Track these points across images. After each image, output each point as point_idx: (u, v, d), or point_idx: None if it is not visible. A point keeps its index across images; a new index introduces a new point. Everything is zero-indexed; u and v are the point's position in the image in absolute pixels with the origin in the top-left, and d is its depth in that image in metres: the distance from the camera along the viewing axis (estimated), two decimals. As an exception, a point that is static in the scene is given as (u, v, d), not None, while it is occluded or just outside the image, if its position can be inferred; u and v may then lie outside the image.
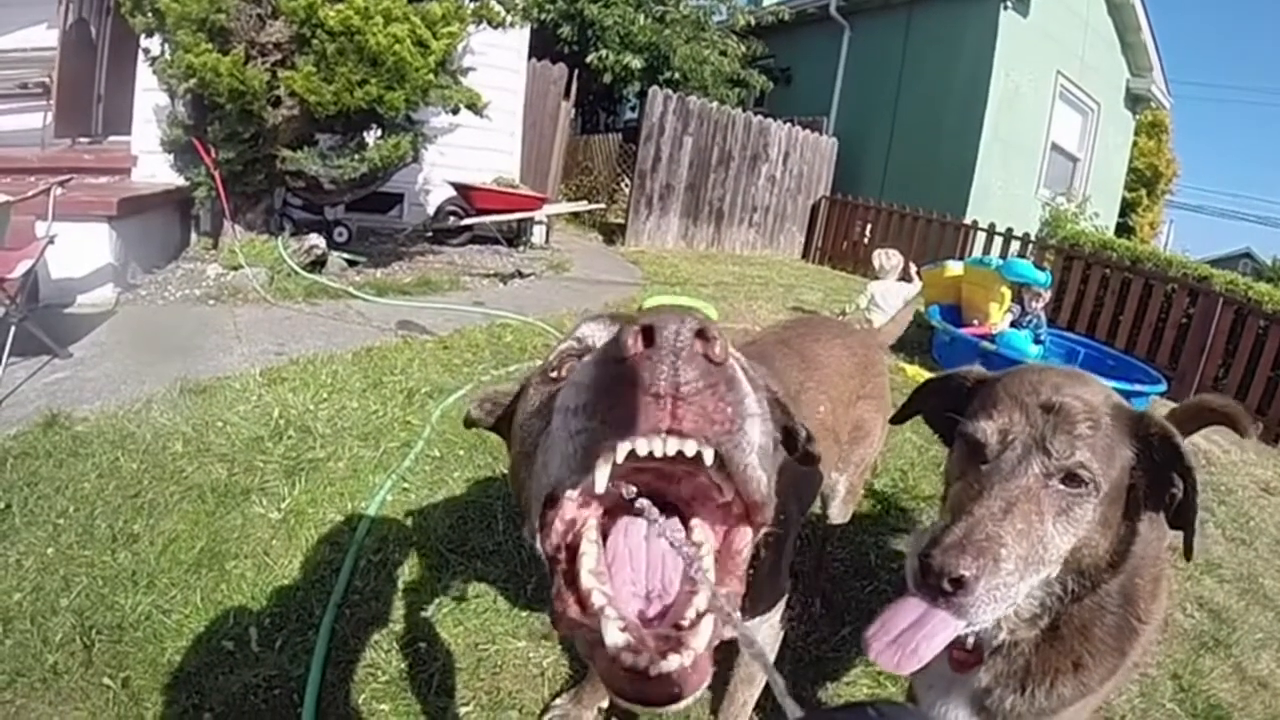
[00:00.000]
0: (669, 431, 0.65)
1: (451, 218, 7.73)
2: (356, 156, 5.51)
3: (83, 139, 6.81)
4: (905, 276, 6.95)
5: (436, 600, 2.27)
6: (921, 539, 1.08)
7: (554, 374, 0.93)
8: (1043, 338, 5.96)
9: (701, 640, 0.64)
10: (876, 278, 6.80)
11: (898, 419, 1.56)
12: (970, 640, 1.24)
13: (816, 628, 2.40)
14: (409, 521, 2.66)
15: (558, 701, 1.93)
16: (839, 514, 2.28)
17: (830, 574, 2.67)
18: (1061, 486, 1.09)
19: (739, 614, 0.69)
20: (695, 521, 0.79)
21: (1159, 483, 1.16)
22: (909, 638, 1.06)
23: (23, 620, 1.97)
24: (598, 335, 0.95)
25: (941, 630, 1.04)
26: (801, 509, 1.68)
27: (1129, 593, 1.25)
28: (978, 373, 1.36)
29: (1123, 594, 1.24)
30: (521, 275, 6.90)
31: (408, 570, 2.39)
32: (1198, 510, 1.16)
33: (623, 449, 0.66)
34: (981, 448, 1.15)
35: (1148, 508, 1.18)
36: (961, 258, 7.77)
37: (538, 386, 0.97)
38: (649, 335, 0.64)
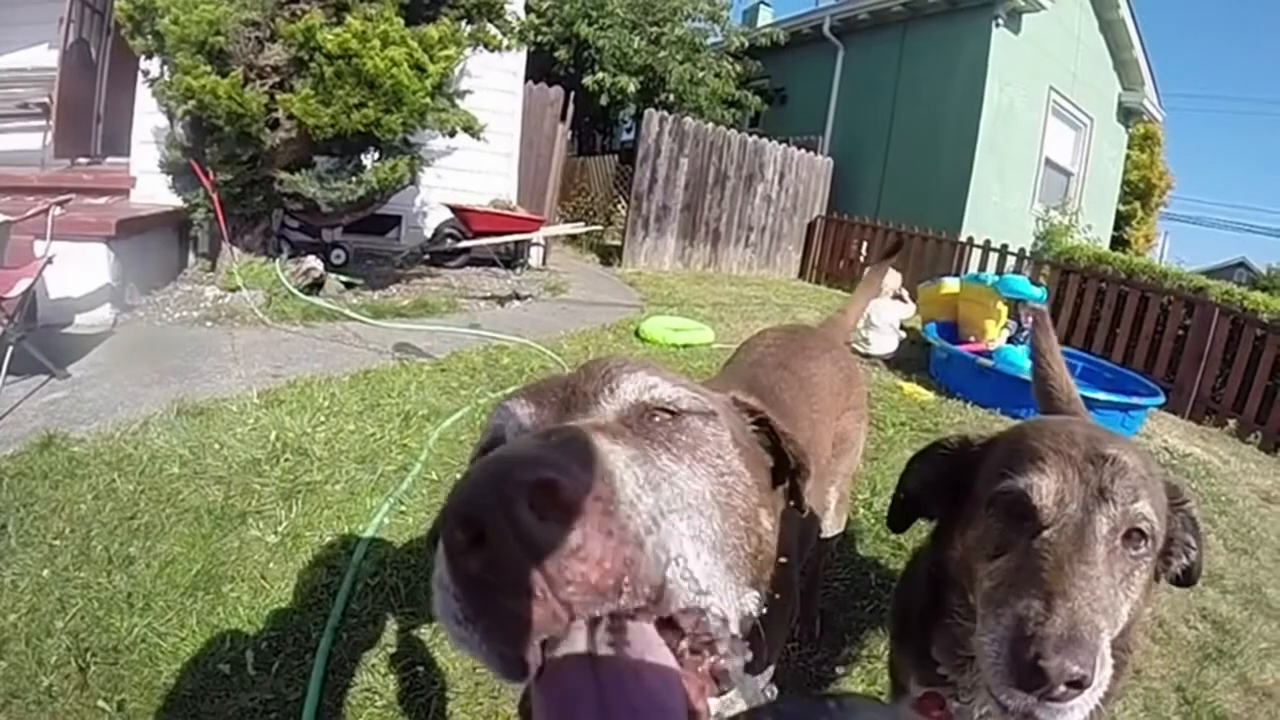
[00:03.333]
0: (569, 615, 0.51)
1: (449, 240, 7.74)
2: (354, 179, 5.54)
3: (82, 159, 6.86)
4: (900, 298, 6.97)
5: (435, 623, 2.25)
6: (1000, 627, 0.94)
7: None
8: (1040, 353, 5.95)
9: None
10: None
11: (895, 524, 1.36)
12: (954, 706, 1.20)
13: (817, 648, 2.39)
14: (406, 544, 2.64)
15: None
16: (833, 526, 2.25)
17: (831, 594, 2.66)
18: (1127, 550, 1.02)
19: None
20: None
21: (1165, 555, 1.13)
22: None
23: (18, 642, 1.96)
24: (508, 430, 0.78)
25: None
26: (802, 551, 1.60)
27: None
28: (977, 435, 1.27)
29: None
30: (519, 297, 6.91)
31: (405, 593, 2.37)
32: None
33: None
34: (1033, 510, 1.04)
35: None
36: (958, 274, 7.80)
37: None
38: (471, 528, 0.50)
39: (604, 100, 12.74)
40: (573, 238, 10.70)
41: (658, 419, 0.77)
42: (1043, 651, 0.86)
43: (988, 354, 5.73)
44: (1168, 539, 1.11)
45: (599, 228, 10.88)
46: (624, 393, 0.78)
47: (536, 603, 0.51)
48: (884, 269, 2.98)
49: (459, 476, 0.57)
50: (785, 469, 0.96)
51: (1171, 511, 1.11)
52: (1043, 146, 12.56)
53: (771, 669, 1.17)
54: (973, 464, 1.20)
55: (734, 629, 0.65)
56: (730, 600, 0.67)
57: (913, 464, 1.32)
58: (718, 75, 13.45)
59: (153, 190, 6.04)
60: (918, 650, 1.28)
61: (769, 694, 0.58)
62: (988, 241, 9.33)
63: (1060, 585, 0.92)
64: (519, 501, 0.49)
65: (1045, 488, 1.04)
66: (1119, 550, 1.01)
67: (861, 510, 3.27)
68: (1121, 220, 16.06)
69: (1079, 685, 0.86)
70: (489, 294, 6.96)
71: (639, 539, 0.54)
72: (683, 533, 0.60)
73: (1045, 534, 1.01)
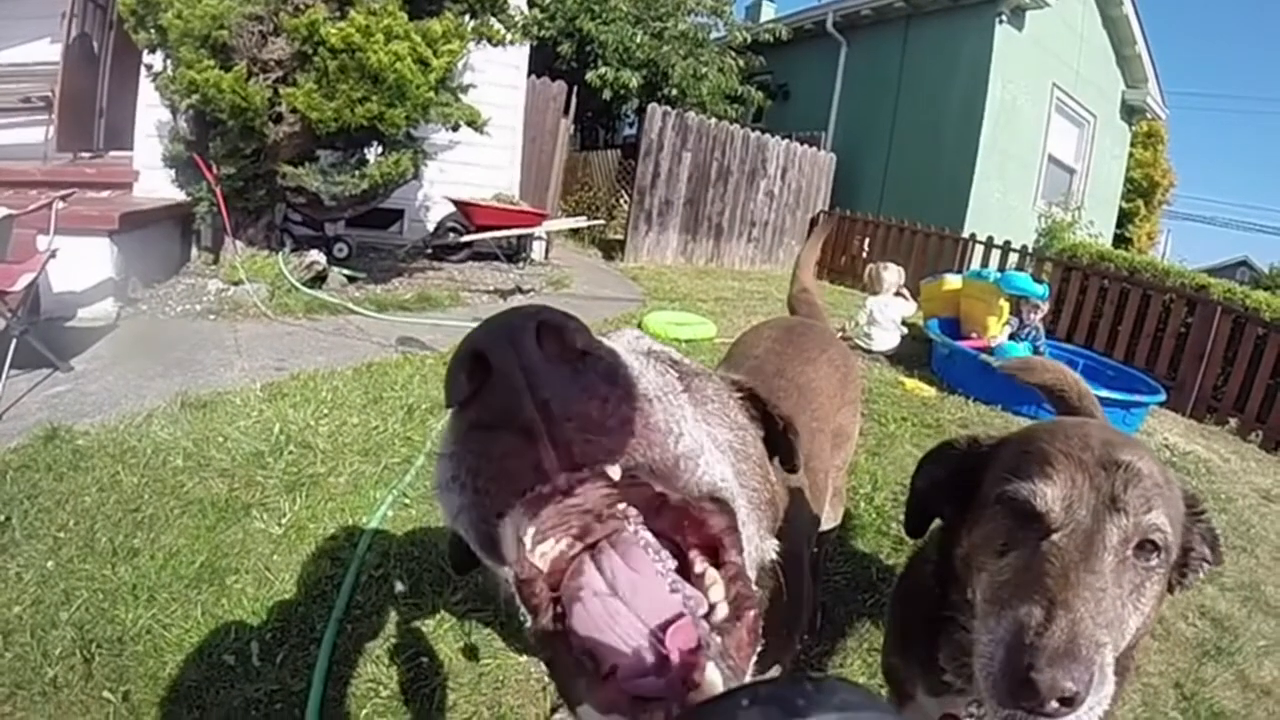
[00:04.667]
0: (566, 469, 0.51)
1: (451, 234, 7.76)
2: (357, 173, 5.53)
3: (85, 153, 6.85)
4: (902, 294, 6.97)
5: (438, 615, 2.27)
6: (998, 630, 0.91)
7: None
8: (1042, 350, 5.97)
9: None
10: (874, 292, 6.81)
11: (912, 529, 1.32)
12: None
13: (818, 641, 2.40)
14: (410, 537, 2.65)
15: (559, 716, 1.92)
16: (829, 520, 2.23)
17: (832, 587, 2.67)
18: (1138, 561, 0.97)
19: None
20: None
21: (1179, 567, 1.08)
22: None
23: (23, 633, 1.97)
24: None
25: None
26: (806, 530, 1.58)
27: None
28: (986, 435, 1.22)
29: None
30: (521, 291, 6.92)
31: (408, 585, 2.38)
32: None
33: (519, 525, 0.53)
34: (1038, 515, 0.99)
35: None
36: (960, 270, 7.79)
37: None
38: (481, 362, 0.50)
39: (606, 95, 12.74)
40: (575, 232, 10.71)
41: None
42: (1035, 663, 0.82)
43: (989, 350, 5.73)
44: (1184, 550, 1.07)
45: (601, 222, 10.88)
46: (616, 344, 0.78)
47: (532, 445, 0.50)
48: (823, 232, 3.13)
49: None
50: (775, 443, 0.96)
51: (1189, 522, 1.07)
52: (1046, 143, 12.54)
53: (778, 670, 1.15)
54: (981, 465, 1.17)
55: (751, 573, 0.64)
56: (751, 532, 0.66)
57: (922, 464, 1.29)
58: (721, 70, 13.45)
59: (155, 184, 6.04)
60: (923, 657, 1.25)
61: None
62: (990, 238, 9.31)
63: (1063, 595, 0.88)
64: (527, 333, 0.49)
65: (1051, 494, 0.99)
66: (1129, 561, 0.96)
67: (862, 504, 3.28)
68: (1124, 218, 16.03)
69: (1070, 703, 0.82)
70: (492, 288, 6.97)
71: (646, 396, 0.54)
72: (693, 420, 0.59)
73: (1053, 537, 0.96)
